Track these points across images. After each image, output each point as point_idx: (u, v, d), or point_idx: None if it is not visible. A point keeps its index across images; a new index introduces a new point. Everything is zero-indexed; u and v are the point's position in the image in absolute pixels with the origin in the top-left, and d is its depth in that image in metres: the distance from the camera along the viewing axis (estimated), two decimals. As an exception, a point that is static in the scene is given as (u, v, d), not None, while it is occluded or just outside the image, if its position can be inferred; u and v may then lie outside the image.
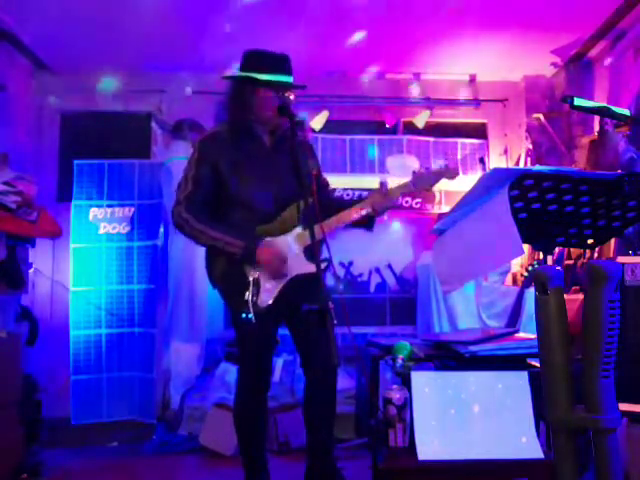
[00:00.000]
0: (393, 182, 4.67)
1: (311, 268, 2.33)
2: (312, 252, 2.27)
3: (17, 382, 3.27)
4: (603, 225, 1.64)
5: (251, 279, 2.38)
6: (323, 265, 2.38)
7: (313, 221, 2.28)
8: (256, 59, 2.50)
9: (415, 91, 5.04)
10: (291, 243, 2.46)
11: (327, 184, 2.75)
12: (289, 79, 2.48)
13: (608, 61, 4.44)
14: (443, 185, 2.71)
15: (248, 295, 2.36)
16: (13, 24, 4.12)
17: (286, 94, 2.47)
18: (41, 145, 4.90)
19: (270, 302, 2.39)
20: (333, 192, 2.81)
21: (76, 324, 4.28)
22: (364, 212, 2.48)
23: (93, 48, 4.40)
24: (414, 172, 2.56)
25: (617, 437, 1.47)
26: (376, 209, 2.48)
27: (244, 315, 2.35)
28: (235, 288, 2.40)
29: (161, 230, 4.40)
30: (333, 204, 2.58)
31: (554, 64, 4.84)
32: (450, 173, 2.55)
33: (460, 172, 2.60)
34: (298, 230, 2.46)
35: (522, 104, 5.09)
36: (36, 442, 3.58)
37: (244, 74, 2.49)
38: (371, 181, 4.83)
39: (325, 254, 2.34)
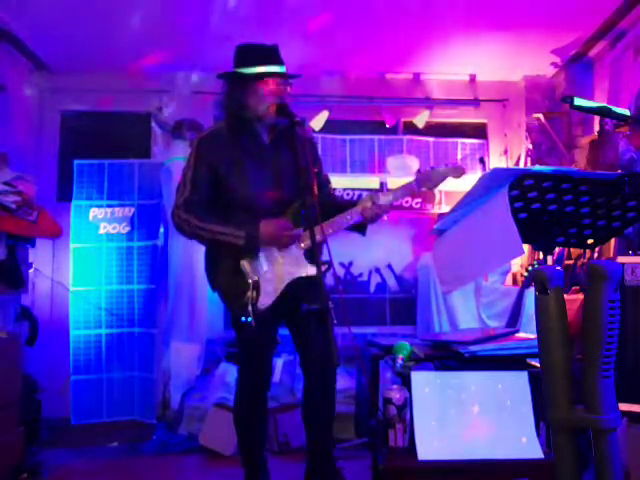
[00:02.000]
0: (394, 182, 4.76)
1: (311, 271, 2.32)
2: (312, 254, 2.26)
3: (17, 382, 3.27)
4: (603, 225, 1.64)
5: (251, 282, 2.37)
6: (323, 267, 2.38)
7: (313, 222, 2.28)
8: (244, 53, 2.46)
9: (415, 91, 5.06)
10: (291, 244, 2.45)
11: (328, 182, 2.71)
12: (280, 69, 2.43)
13: (608, 61, 4.44)
14: (443, 185, 2.70)
15: (248, 298, 2.35)
16: (13, 24, 4.12)
17: (281, 86, 2.42)
18: (41, 145, 4.90)
19: (269, 304, 2.38)
20: (333, 191, 2.77)
21: (76, 324, 4.28)
22: (354, 219, 2.45)
23: (93, 48, 4.39)
24: (419, 171, 2.53)
25: (617, 437, 1.47)
26: (366, 217, 2.45)
27: (244, 318, 2.34)
28: (235, 291, 2.38)
29: (161, 230, 4.39)
30: (331, 206, 2.54)
31: (554, 64, 4.83)
32: (456, 172, 2.53)
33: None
34: (299, 231, 2.44)
35: (522, 104, 5.08)
36: (36, 442, 3.58)
37: (234, 71, 2.46)
38: (371, 181, 4.84)
39: (325, 256, 2.32)
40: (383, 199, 2.45)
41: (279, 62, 2.44)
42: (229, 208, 2.45)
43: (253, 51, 2.45)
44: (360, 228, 2.55)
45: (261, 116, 2.44)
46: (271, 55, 2.44)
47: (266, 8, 3.90)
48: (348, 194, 4.69)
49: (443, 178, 2.52)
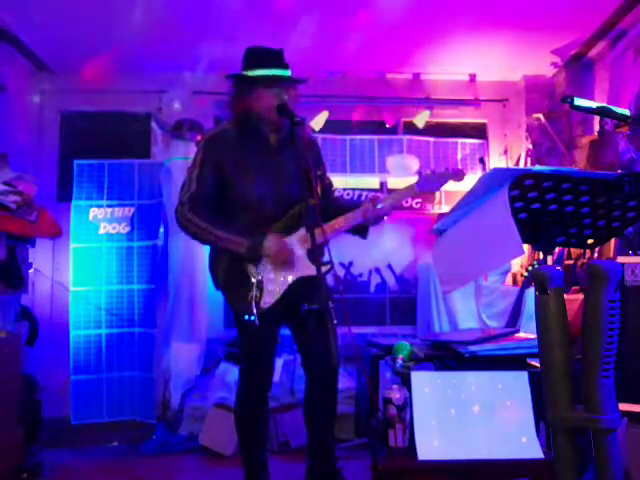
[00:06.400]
0: (394, 182, 4.76)
1: (314, 270, 2.33)
2: (313, 255, 2.27)
3: (17, 382, 3.27)
4: (603, 225, 1.64)
5: (254, 281, 2.38)
6: (326, 268, 2.39)
7: (314, 224, 2.29)
8: (250, 56, 2.50)
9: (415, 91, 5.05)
10: (294, 245, 2.45)
11: (331, 185, 2.74)
12: (285, 72, 2.46)
13: (608, 61, 4.44)
14: (443, 186, 2.70)
15: (251, 297, 2.35)
16: (13, 24, 4.12)
17: (286, 90, 2.45)
18: (41, 145, 4.89)
19: (273, 304, 2.39)
20: (334, 193, 2.80)
21: (76, 324, 4.28)
22: (356, 221, 2.47)
23: (93, 48, 4.39)
24: (420, 174, 2.54)
25: (617, 437, 1.47)
26: (368, 218, 2.47)
27: (247, 317, 2.35)
28: (238, 290, 2.40)
29: (161, 230, 4.39)
30: (332, 208, 2.57)
31: (554, 64, 4.83)
32: (457, 176, 2.55)
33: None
34: (301, 232, 2.45)
35: (522, 104, 5.08)
36: (36, 442, 3.58)
37: (242, 73, 2.48)
38: (371, 181, 4.84)
39: (327, 256, 2.33)
40: (384, 202, 2.46)
41: (282, 66, 2.46)
42: (233, 209, 2.47)
43: (258, 54, 2.48)
44: (361, 231, 2.56)
45: (266, 118, 2.47)
46: (274, 59, 2.46)
47: (266, 9, 3.90)
48: (348, 194, 4.69)
49: (444, 182, 2.53)
